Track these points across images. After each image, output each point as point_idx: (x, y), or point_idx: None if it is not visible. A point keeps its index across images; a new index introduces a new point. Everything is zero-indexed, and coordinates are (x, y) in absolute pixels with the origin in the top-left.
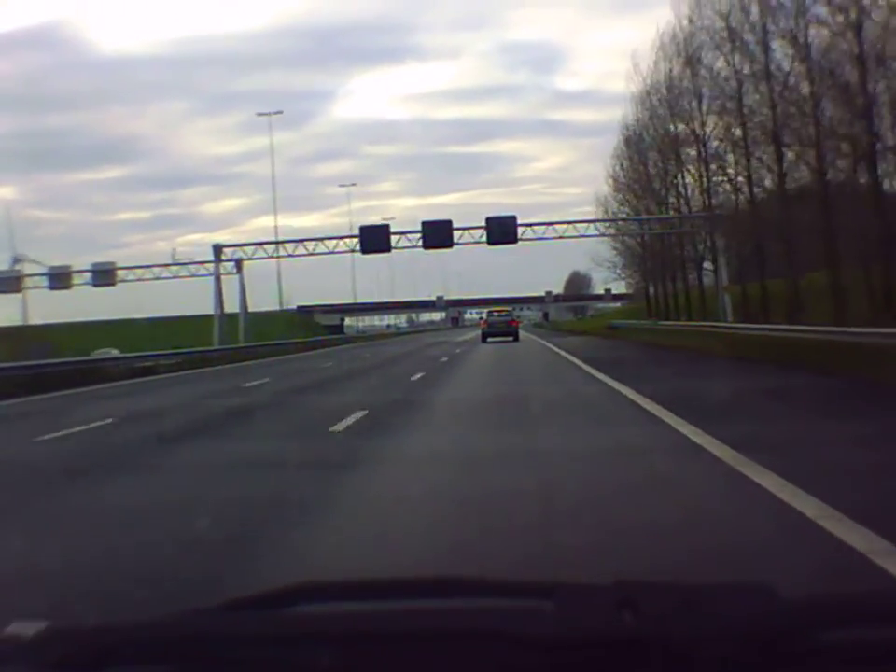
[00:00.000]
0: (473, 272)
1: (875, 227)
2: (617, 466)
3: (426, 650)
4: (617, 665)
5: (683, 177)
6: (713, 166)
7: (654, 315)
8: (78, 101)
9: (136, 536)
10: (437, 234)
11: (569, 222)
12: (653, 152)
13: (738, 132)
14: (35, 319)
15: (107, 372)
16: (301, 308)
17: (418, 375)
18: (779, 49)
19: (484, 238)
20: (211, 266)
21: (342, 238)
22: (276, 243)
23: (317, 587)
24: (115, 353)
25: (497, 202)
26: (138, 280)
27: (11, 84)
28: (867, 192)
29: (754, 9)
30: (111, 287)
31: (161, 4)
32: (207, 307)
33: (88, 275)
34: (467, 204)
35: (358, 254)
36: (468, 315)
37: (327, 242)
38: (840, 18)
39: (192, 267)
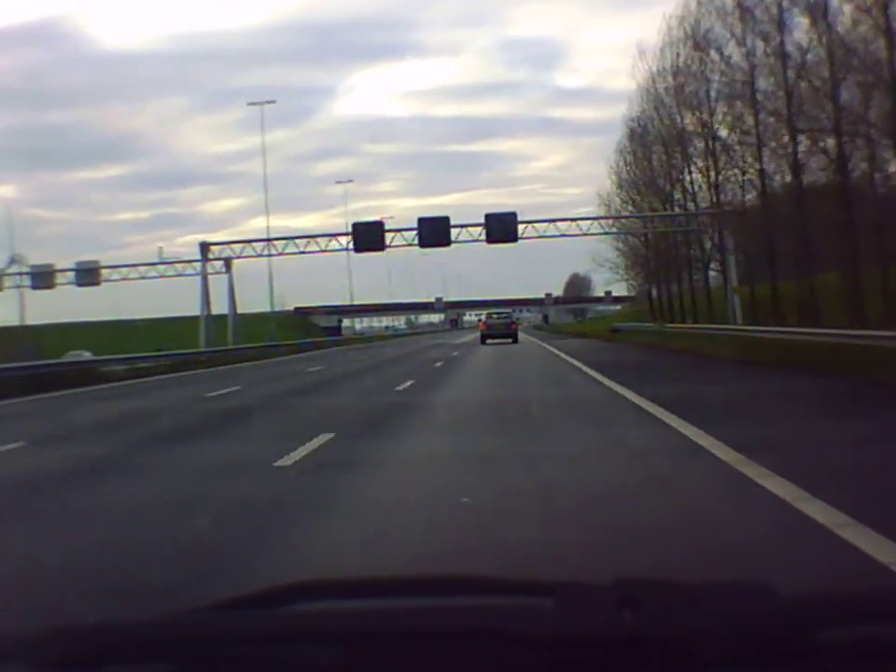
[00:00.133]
0: (473, 274)
1: None
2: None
3: (425, 648)
4: (617, 664)
5: (690, 172)
6: (721, 160)
7: (659, 317)
8: (78, 97)
9: None
10: (434, 232)
11: (572, 219)
12: (658, 146)
13: (750, 120)
14: (16, 320)
15: (73, 377)
16: (298, 309)
17: (407, 384)
18: (798, 27)
19: (483, 236)
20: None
21: (334, 236)
22: (266, 241)
23: (317, 585)
24: (87, 355)
25: (497, 202)
26: (123, 280)
27: (10, 80)
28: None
29: None
30: (97, 287)
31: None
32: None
33: (72, 275)
34: (467, 205)
35: (356, 255)
36: (467, 318)
37: (318, 240)
38: None
39: (179, 266)
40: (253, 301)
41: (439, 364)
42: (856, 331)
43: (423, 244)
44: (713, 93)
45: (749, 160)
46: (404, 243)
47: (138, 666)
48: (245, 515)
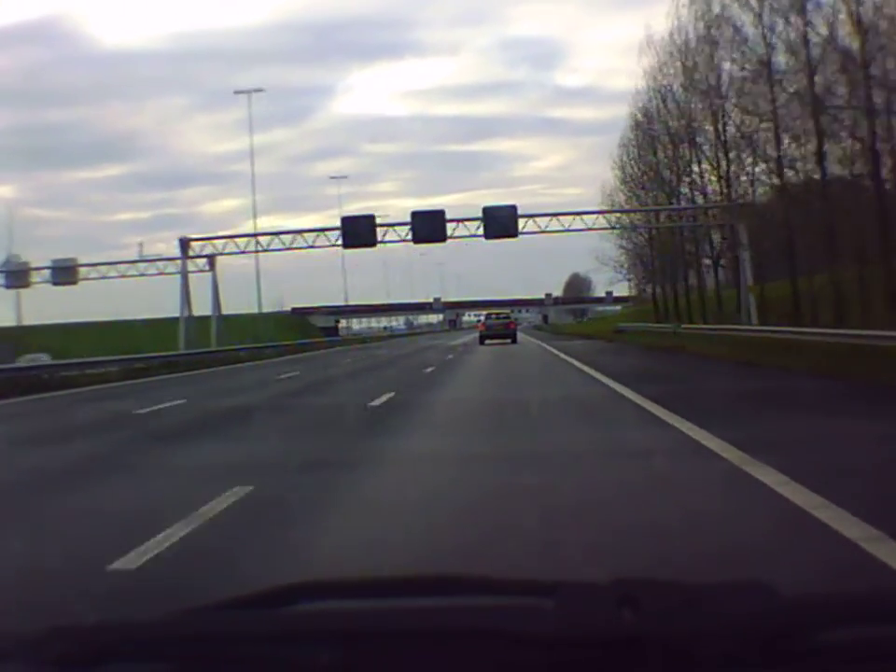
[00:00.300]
0: (472, 274)
1: None
2: None
3: (426, 648)
4: (617, 663)
5: (700, 163)
6: (733, 150)
7: (667, 317)
8: (77, 96)
9: None
10: (428, 226)
11: (574, 213)
12: (665, 136)
13: (765, 105)
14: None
15: (29, 383)
16: (296, 310)
17: (384, 398)
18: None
19: (481, 231)
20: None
21: (322, 231)
22: (249, 236)
23: (317, 585)
24: (45, 359)
25: (497, 202)
26: (103, 278)
27: (10, 79)
28: None
29: None
30: (75, 287)
31: None
32: (196, 308)
33: (48, 274)
34: (466, 206)
35: (356, 256)
36: (466, 318)
37: (305, 235)
38: None
39: (161, 264)
40: (247, 302)
41: (429, 370)
42: None
43: (416, 239)
44: (725, 75)
45: (767, 147)
46: (397, 238)
47: (138, 666)
48: None
